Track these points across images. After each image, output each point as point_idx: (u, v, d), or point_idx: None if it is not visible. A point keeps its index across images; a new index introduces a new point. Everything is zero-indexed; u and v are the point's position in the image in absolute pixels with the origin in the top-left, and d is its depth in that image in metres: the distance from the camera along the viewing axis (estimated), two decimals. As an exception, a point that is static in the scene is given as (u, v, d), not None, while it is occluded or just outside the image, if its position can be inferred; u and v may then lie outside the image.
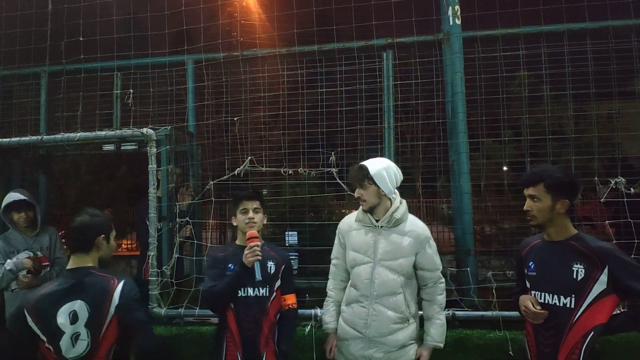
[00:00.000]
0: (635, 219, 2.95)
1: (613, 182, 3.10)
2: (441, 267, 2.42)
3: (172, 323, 3.42)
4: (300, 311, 2.78)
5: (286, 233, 4.01)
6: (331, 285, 2.58)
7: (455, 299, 3.27)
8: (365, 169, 2.32)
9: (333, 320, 2.49)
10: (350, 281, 2.45)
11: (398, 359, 2.32)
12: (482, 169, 3.83)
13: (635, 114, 4.08)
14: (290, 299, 2.49)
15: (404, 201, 2.43)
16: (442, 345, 2.37)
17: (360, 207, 2.41)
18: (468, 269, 3.33)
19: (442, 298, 2.40)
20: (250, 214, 2.41)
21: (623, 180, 3.10)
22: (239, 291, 2.37)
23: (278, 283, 2.45)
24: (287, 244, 4.38)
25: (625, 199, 3.00)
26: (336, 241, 2.56)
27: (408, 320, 2.34)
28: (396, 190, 2.40)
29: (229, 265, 2.39)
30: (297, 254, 4.22)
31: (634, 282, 1.86)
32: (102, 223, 2.13)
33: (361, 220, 2.43)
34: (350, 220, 2.51)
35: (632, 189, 3.06)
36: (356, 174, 2.35)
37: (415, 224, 2.40)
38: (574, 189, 2.03)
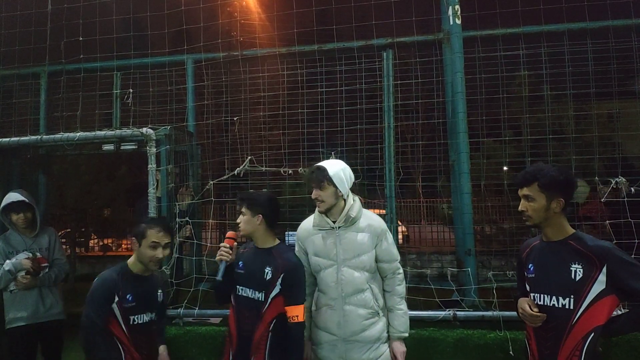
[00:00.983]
0: (635, 219, 2.95)
1: (614, 182, 3.09)
2: (399, 258, 2.45)
3: (171, 323, 3.41)
4: None
5: (286, 233, 3.99)
6: None
7: (456, 299, 3.26)
8: (324, 170, 2.31)
9: (306, 327, 2.45)
10: (317, 286, 2.45)
11: (374, 356, 2.33)
12: (483, 169, 3.83)
13: (636, 113, 4.07)
14: (293, 311, 2.26)
15: (357, 198, 2.45)
16: (406, 334, 2.39)
17: (316, 211, 2.41)
18: (469, 269, 3.33)
19: (401, 288, 2.42)
20: (238, 218, 2.41)
21: (624, 180, 3.09)
22: (239, 290, 2.36)
23: (276, 291, 2.29)
24: (287, 244, 4.36)
25: (625, 199, 2.99)
26: (297, 248, 2.53)
27: (378, 313, 2.37)
28: (349, 189, 2.42)
29: (240, 263, 2.39)
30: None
31: (634, 281, 1.82)
32: (136, 228, 2.36)
33: (318, 224, 2.42)
34: (307, 226, 2.49)
35: (632, 189, 3.05)
36: (315, 176, 2.33)
37: (371, 219, 2.42)
38: (569, 187, 1.98)
